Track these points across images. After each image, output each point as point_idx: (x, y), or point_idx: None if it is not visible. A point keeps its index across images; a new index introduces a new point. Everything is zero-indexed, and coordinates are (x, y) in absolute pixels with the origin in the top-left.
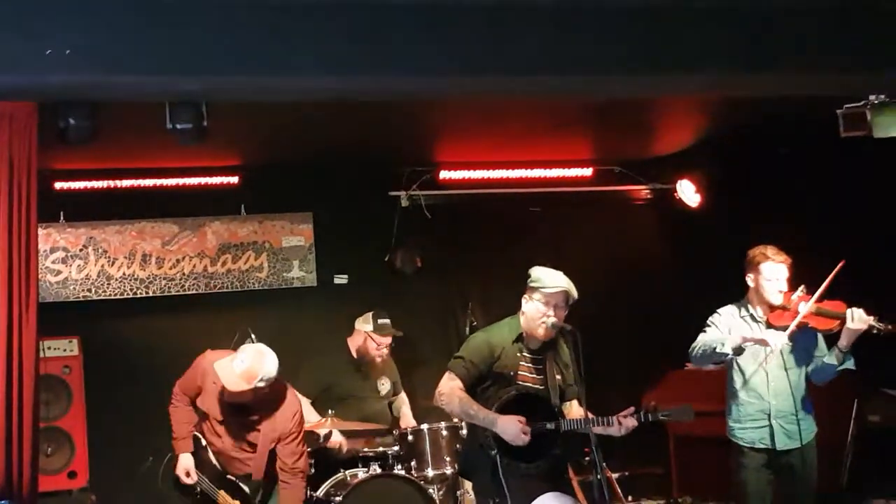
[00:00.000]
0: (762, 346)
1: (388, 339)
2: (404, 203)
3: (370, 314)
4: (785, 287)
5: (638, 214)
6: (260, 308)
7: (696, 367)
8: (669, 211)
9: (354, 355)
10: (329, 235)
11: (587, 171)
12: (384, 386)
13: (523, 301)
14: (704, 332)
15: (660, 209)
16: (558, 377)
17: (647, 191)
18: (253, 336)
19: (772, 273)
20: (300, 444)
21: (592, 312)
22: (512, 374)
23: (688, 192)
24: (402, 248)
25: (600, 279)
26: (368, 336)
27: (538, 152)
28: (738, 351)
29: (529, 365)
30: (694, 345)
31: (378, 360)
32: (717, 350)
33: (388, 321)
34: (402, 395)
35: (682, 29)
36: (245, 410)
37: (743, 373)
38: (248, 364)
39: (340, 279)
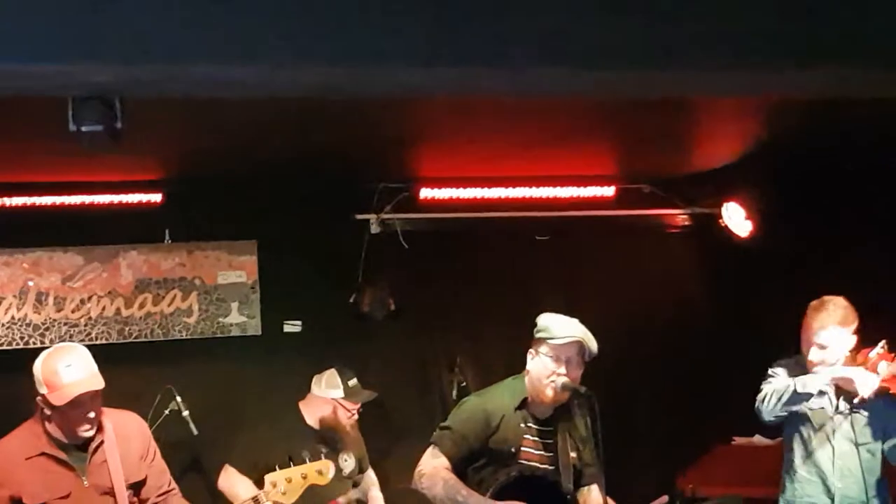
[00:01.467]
0: (832, 409)
1: (359, 405)
2: (374, 229)
3: (331, 373)
4: (841, 358)
5: (673, 246)
6: (187, 363)
7: (745, 442)
8: (713, 242)
9: (316, 426)
10: (278, 270)
11: (608, 191)
12: (347, 463)
13: (528, 357)
14: (769, 382)
15: (700, 239)
16: (573, 455)
17: (685, 216)
18: (178, 399)
19: (827, 339)
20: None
21: (615, 371)
22: (513, 450)
23: (736, 219)
24: (370, 286)
25: (625, 328)
26: (338, 403)
27: (546, 166)
28: (822, 393)
29: (536, 439)
30: (762, 395)
31: (348, 428)
32: (799, 390)
33: (357, 383)
34: (370, 475)
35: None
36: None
37: (806, 443)
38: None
39: (292, 327)
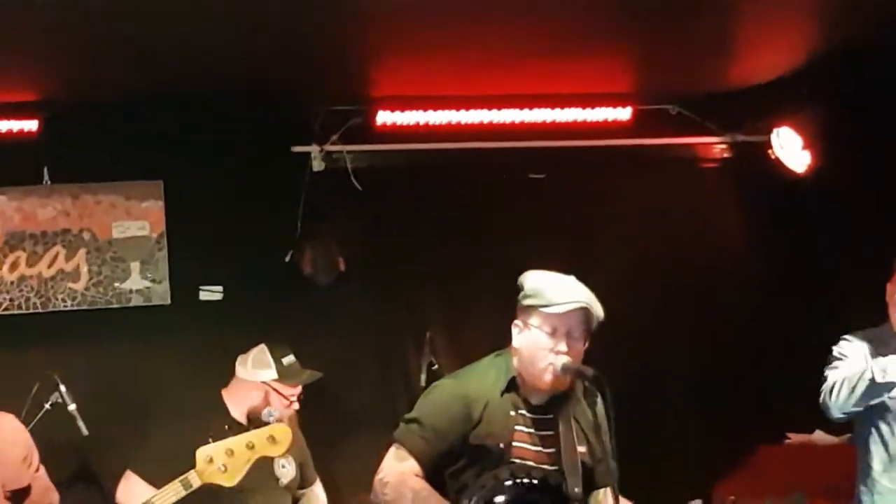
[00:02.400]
0: None
1: (299, 389)
2: (317, 166)
3: (260, 350)
4: None
5: (707, 186)
6: (74, 342)
7: (801, 441)
8: (759, 179)
9: (243, 419)
10: (191, 220)
11: (624, 114)
12: (286, 471)
13: (514, 330)
14: (835, 367)
15: (743, 176)
16: (581, 450)
17: (723, 146)
18: (63, 389)
19: None
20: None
21: (633, 348)
22: (502, 446)
23: (790, 149)
24: (313, 241)
25: (645, 294)
26: (270, 388)
27: (543, 82)
28: None
29: (531, 431)
30: (828, 384)
31: (287, 423)
32: (878, 380)
33: (294, 360)
34: (317, 489)
35: None
36: None
37: (888, 444)
38: None
39: (211, 293)
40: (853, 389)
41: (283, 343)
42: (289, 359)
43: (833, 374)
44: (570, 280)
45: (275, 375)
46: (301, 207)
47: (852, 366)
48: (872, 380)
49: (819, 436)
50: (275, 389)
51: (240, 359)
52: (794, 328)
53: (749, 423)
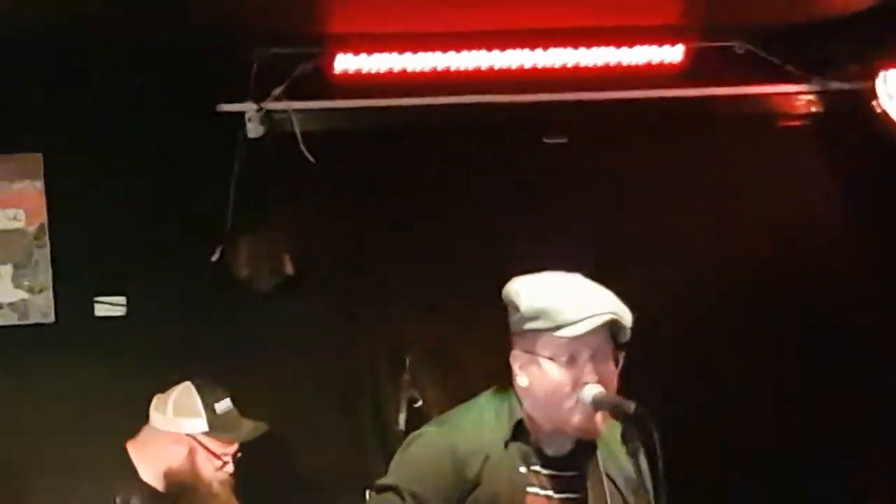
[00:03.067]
0: None
1: (236, 446)
2: (254, 130)
3: (185, 391)
4: None
5: (788, 148)
6: None
7: None
8: (859, 139)
9: (160, 486)
10: (82, 208)
11: (674, 53)
12: None
13: (514, 364)
14: None
15: (837, 136)
16: None
17: (809, 95)
18: None
19: None
20: None
21: (687, 365)
22: None
23: None
24: (250, 233)
25: (703, 292)
26: (197, 443)
27: (562, 12)
28: None
29: (549, 494)
30: None
31: (217, 488)
32: None
33: (231, 407)
34: None
35: None
36: None
37: None
38: None
39: (110, 307)
40: None
41: (216, 382)
42: (224, 404)
43: None
44: (580, 282)
45: (205, 427)
46: (233, 188)
47: None
48: None
49: None
50: (203, 446)
51: (155, 401)
52: None
53: (872, 463)
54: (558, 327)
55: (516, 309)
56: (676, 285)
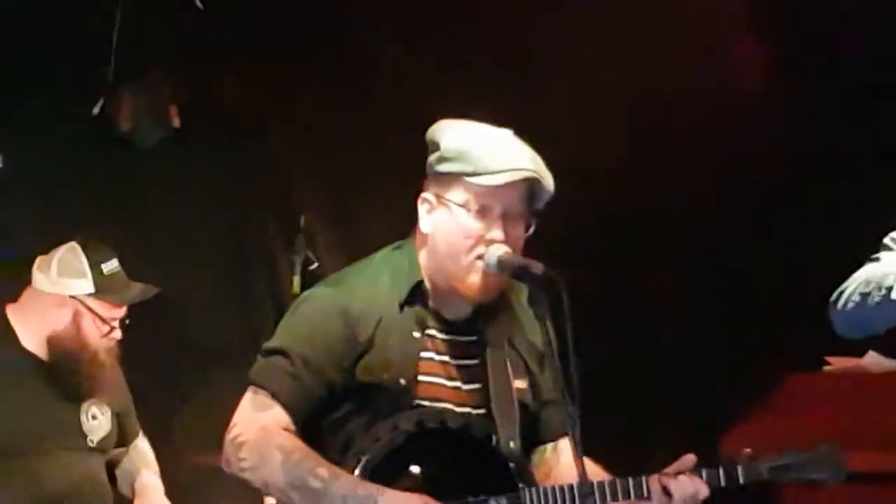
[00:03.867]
0: None
1: (123, 311)
2: None
3: (69, 251)
4: None
5: None
6: None
7: (846, 367)
8: None
9: (42, 353)
10: None
11: None
12: (96, 423)
13: (421, 207)
14: (874, 260)
15: None
16: (520, 385)
17: None
18: None
19: None
20: None
21: (604, 235)
22: (403, 382)
23: None
24: (132, 82)
25: (631, 153)
26: (82, 306)
27: None
28: None
29: (446, 360)
30: (844, 285)
31: (103, 356)
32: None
33: (118, 268)
34: (141, 445)
35: None
36: None
37: None
38: None
39: None
40: (865, 297)
41: (103, 241)
42: (111, 265)
43: (858, 274)
44: (508, 136)
45: (91, 288)
46: (115, 35)
47: (886, 264)
48: (891, 288)
49: (873, 359)
50: (90, 309)
51: (38, 262)
52: (845, 214)
53: (774, 343)
54: (476, 174)
55: (437, 147)
56: (600, 142)
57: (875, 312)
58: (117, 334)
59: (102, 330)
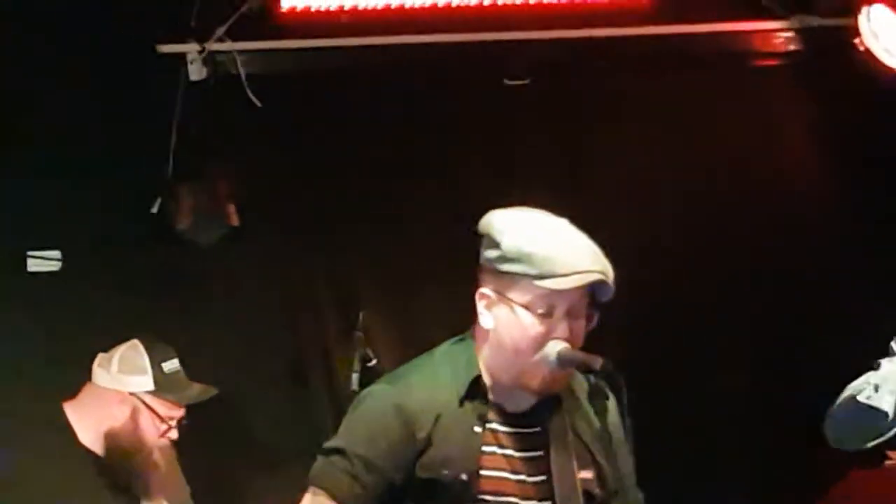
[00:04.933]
0: None
1: (182, 411)
2: (196, 73)
3: (133, 349)
4: None
5: (765, 90)
6: None
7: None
8: (841, 80)
9: (99, 449)
10: (10, 154)
11: None
12: None
13: (480, 304)
14: (875, 367)
15: (818, 76)
16: (585, 476)
17: (788, 32)
18: None
19: None
20: None
21: (657, 321)
22: (465, 478)
23: (887, 36)
24: (191, 182)
25: (675, 242)
26: (141, 404)
27: None
28: None
29: (509, 453)
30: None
31: (157, 455)
32: (861, 399)
33: (178, 367)
34: None
35: None
36: None
37: None
38: None
39: (43, 262)
40: (840, 408)
41: (162, 340)
42: (172, 364)
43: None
44: (568, 231)
45: (151, 386)
46: (173, 134)
47: (885, 371)
48: (870, 400)
49: None
50: (148, 407)
51: (99, 359)
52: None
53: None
54: (541, 277)
55: (495, 245)
56: (649, 236)
57: (855, 423)
58: (174, 434)
59: (160, 429)
